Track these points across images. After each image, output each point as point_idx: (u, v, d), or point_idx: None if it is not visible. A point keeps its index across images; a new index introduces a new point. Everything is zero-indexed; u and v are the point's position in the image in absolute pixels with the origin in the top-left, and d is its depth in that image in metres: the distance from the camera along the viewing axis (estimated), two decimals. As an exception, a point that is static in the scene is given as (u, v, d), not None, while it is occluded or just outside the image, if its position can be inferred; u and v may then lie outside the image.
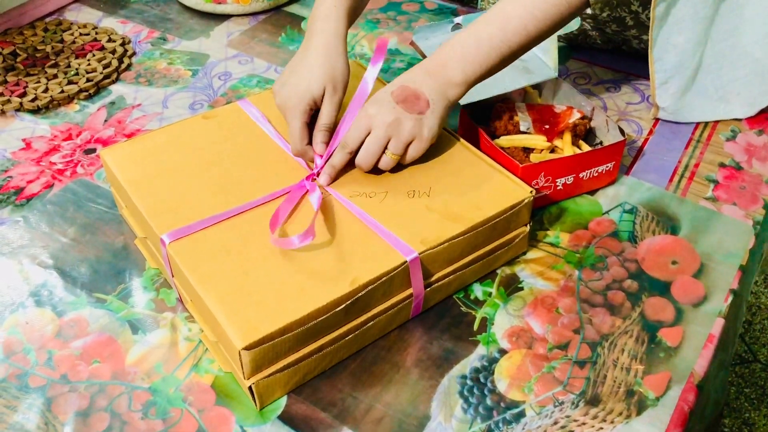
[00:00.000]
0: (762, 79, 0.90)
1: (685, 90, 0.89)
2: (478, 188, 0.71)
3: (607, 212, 0.80)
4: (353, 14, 0.80)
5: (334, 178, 0.72)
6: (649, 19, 0.74)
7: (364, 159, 0.71)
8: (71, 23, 1.13)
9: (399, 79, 0.73)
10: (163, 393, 0.63)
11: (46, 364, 0.66)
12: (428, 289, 0.67)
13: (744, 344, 1.61)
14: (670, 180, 0.84)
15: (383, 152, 0.71)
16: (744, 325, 1.65)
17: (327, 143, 0.73)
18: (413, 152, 0.72)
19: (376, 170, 0.73)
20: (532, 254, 0.75)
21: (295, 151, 0.74)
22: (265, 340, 0.57)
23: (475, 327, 0.68)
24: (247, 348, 0.56)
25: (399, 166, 0.73)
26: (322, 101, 0.74)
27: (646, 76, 1.00)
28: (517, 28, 0.72)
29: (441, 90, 0.72)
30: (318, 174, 0.73)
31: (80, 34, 1.10)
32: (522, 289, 0.72)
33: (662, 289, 0.72)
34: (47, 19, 1.15)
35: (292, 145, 0.74)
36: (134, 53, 1.08)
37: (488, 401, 0.62)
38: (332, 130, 0.74)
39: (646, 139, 0.90)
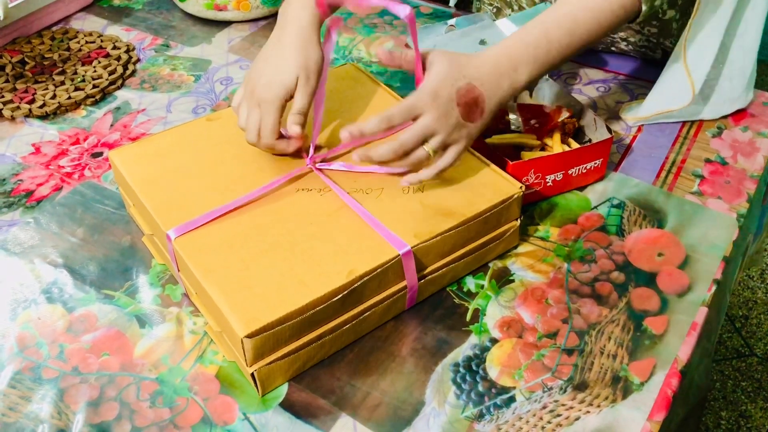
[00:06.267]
0: (737, 84, 0.92)
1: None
2: (469, 184, 0.74)
3: (595, 207, 0.83)
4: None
5: (357, 143, 0.70)
6: (634, 22, 0.78)
7: (407, 139, 0.68)
8: (77, 32, 1.16)
9: (470, 71, 0.69)
10: (169, 383, 0.66)
11: (58, 357, 0.68)
12: (422, 281, 0.69)
13: (741, 338, 1.64)
14: (657, 175, 0.86)
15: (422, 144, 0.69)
16: (741, 320, 1.67)
17: (302, 125, 0.74)
18: (448, 156, 0.70)
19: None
20: (523, 248, 0.78)
21: (264, 145, 0.75)
22: (266, 329, 0.60)
23: (468, 318, 0.71)
24: (249, 336, 0.59)
25: None
26: (295, 90, 0.74)
27: (635, 76, 1.03)
28: (582, 36, 0.72)
29: (501, 100, 0.71)
30: (313, 159, 0.75)
31: (86, 42, 1.13)
32: (513, 281, 0.74)
33: (648, 280, 0.74)
34: (54, 28, 1.17)
35: (264, 137, 0.74)
36: (138, 60, 1.11)
37: (480, 387, 0.65)
38: (305, 115, 0.74)
39: (635, 137, 0.92)
